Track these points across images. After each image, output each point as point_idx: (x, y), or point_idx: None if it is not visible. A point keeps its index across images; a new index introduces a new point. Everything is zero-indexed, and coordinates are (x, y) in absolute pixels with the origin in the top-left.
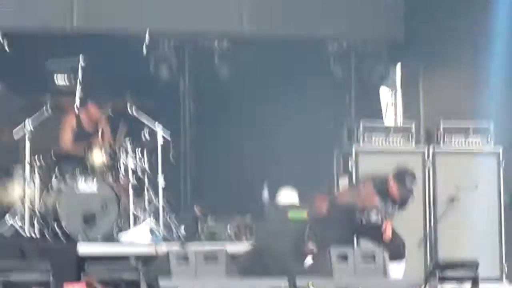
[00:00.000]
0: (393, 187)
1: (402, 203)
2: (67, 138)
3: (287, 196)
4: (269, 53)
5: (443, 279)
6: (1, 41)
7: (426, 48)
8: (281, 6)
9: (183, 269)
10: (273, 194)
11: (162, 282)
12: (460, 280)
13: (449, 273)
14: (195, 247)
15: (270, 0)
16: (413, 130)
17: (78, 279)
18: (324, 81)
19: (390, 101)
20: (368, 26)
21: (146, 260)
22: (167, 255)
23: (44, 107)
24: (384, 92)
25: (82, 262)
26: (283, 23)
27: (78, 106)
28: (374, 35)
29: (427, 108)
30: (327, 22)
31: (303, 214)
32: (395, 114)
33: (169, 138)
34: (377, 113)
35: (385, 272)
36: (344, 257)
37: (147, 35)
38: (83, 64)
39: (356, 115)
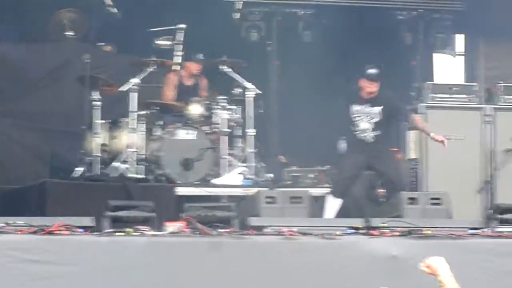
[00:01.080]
0: (364, 86)
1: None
2: (169, 92)
3: None
4: (346, 20)
5: (501, 222)
6: (114, 9)
7: (487, 17)
8: None
9: (270, 209)
10: None
11: (252, 220)
12: None
13: (507, 216)
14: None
15: None
16: (474, 89)
17: (177, 218)
18: (394, 46)
19: (453, 65)
20: None
21: (237, 201)
22: (256, 196)
23: (149, 66)
24: (448, 57)
25: (181, 202)
26: None
27: (179, 65)
28: (440, 5)
29: (486, 71)
30: None
31: None
32: (457, 77)
33: (259, 92)
34: (441, 75)
35: (449, 214)
36: (414, 200)
37: (240, 4)
38: (182, 29)
39: (422, 76)
